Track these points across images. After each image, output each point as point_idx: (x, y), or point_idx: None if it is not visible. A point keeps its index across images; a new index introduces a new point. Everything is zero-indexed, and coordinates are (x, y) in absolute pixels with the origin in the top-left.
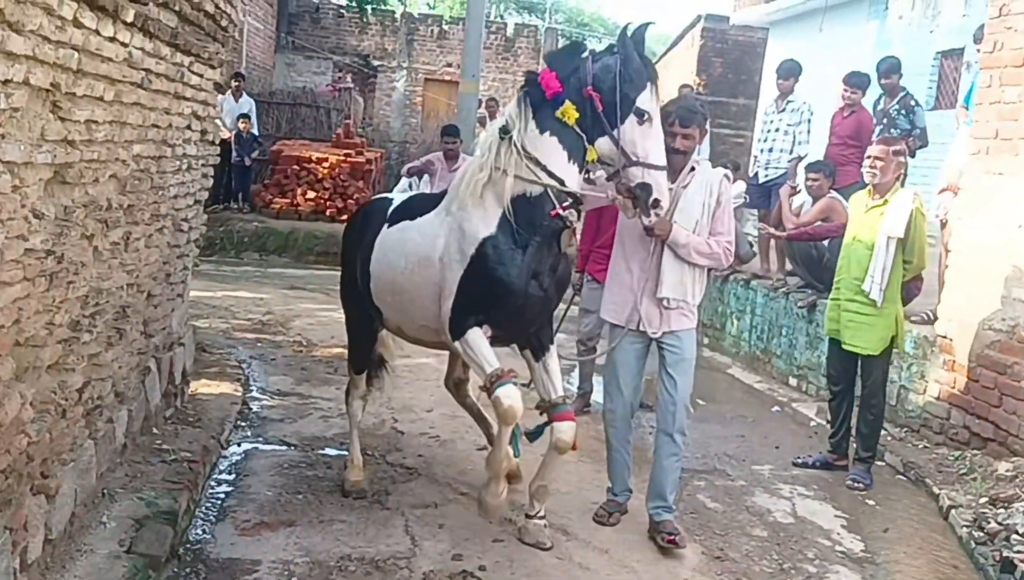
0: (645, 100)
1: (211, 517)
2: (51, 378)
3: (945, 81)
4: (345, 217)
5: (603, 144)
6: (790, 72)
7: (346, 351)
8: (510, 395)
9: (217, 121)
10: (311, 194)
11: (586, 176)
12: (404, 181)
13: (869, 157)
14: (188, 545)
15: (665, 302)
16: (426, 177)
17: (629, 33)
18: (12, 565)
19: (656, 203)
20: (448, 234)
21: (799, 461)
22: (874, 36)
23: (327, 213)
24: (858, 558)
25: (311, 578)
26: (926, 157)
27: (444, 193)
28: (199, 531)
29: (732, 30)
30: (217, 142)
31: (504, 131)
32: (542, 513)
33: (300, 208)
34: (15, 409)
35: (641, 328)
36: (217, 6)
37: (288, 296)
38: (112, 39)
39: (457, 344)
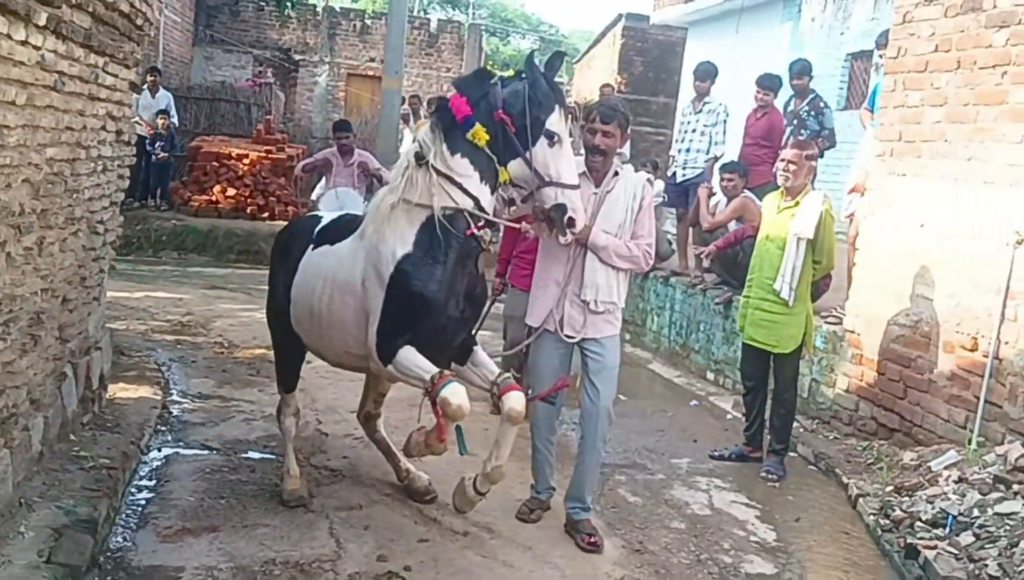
0: (554, 122)
1: (132, 524)
2: None
3: (855, 82)
4: (266, 215)
5: (515, 166)
6: (707, 74)
7: (269, 352)
8: (457, 393)
9: (133, 121)
10: (231, 191)
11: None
12: (321, 185)
13: (783, 160)
14: (109, 554)
15: (592, 305)
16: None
17: (537, 60)
18: None
19: (571, 222)
20: (366, 257)
21: (715, 454)
22: (788, 38)
23: (248, 211)
24: (771, 547)
25: None
26: (836, 156)
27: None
28: (120, 539)
29: (652, 29)
30: (133, 142)
31: (419, 157)
32: (486, 493)
33: (220, 205)
34: None
35: (564, 331)
36: (132, 5)
37: (208, 296)
38: (24, 43)
39: (389, 368)
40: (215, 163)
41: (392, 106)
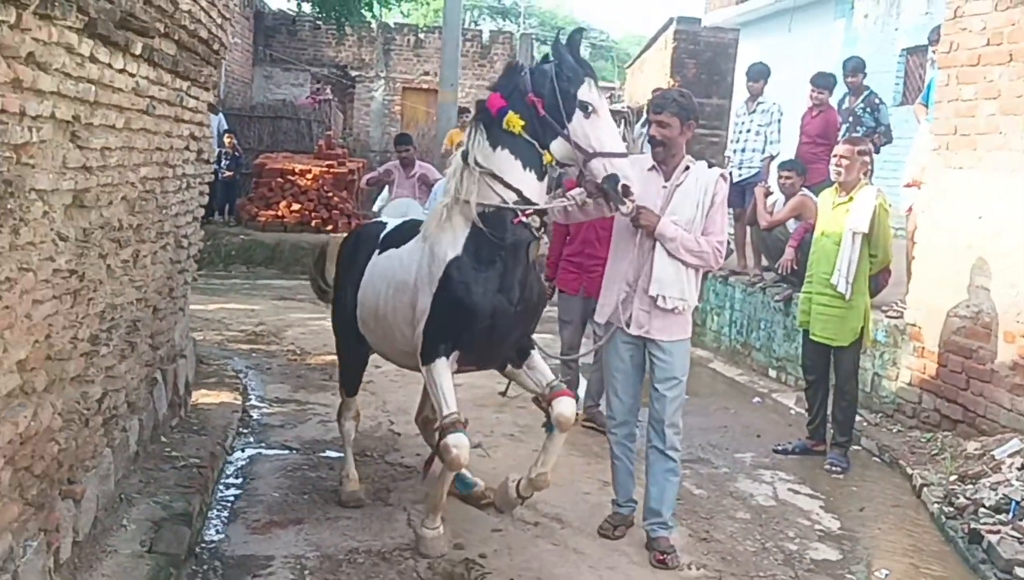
0: (585, 93)
1: (223, 518)
2: (74, 389)
3: (911, 77)
4: (330, 228)
5: (557, 146)
6: (759, 74)
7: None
8: (459, 445)
9: (211, 140)
10: (296, 206)
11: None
12: (384, 196)
13: (835, 156)
14: (204, 544)
15: (659, 301)
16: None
17: (563, 40)
18: (48, 564)
19: (626, 190)
20: (421, 258)
21: (779, 448)
22: (841, 35)
23: (312, 224)
24: (836, 535)
25: (323, 571)
26: (894, 151)
27: None
28: (213, 531)
29: (704, 32)
30: (212, 160)
31: (464, 156)
32: (530, 498)
33: (285, 220)
34: (47, 418)
35: (631, 329)
36: (210, 31)
37: (278, 306)
38: (122, 71)
39: (424, 369)
40: (279, 179)
41: (448, 118)
